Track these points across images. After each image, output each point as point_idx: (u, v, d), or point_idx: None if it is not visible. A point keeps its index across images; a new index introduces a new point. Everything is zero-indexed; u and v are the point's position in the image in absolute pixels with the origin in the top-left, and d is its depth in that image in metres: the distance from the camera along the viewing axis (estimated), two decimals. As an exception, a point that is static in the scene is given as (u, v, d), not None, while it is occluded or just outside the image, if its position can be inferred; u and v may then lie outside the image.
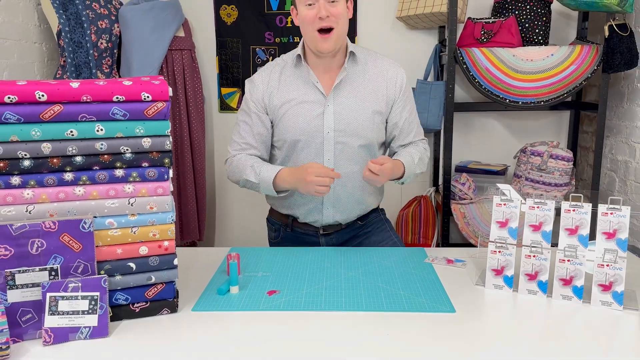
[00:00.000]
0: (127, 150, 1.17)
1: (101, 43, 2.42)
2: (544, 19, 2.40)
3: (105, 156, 1.16)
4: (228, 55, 2.77)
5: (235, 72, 2.78)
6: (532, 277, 1.35)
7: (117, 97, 1.13)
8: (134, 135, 1.16)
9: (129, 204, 1.19)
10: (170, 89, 1.17)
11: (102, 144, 1.15)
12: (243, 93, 2.78)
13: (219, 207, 2.98)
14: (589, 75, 2.31)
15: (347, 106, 1.64)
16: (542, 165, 2.40)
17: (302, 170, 1.53)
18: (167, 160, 1.20)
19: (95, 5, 2.42)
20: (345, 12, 1.59)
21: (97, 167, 1.16)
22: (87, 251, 1.15)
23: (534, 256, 1.34)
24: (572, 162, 2.41)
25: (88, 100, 1.12)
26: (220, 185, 2.95)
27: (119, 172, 1.17)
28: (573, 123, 2.74)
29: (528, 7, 2.39)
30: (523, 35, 2.41)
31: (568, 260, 1.31)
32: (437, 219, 2.66)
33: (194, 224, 2.62)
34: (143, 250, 1.20)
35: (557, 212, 1.35)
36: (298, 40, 2.71)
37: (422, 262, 1.57)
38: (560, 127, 2.79)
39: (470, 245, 2.49)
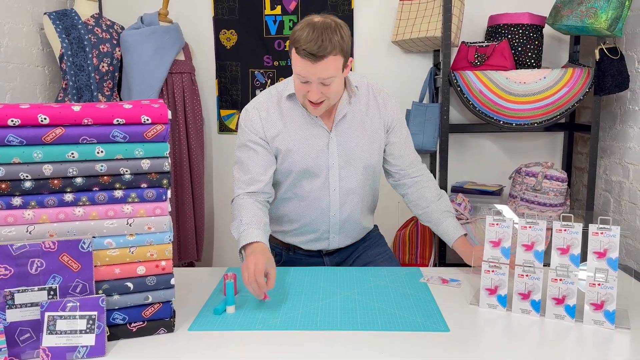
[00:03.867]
0: (126, 171, 1.19)
1: (102, 66, 2.47)
2: (536, 42, 2.46)
3: (105, 177, 1.19)
4: (227, 78, 2.82)
5: (234, 94, 2.83)
6: (525, 296, 1.36)
7: (117, 120, 1.17)
8: (134, 157, 1.19)
9: (127, 224, 1.21)
10: (169, 112, 1.21)
11: (102, 166, 1.18)
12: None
13: (217, 228, 2.99)
14: (581, 98, 2.35)
15: (350, 139, 1.66)
16: (536, 185, 2.43)
17: (247, 267, 1.38)
18: (165, 181, 1.22)
19: (97, 30, 2.47)
20: (339, 85, 1.54)
21: (97, 188, 1.19)
22: (86, 271, 1.17)
23: (526, 275, 1.36)
24: (567, 183, 2.44)
25: (89, 123, 1.15)
26: (219, 206, 2.97)
27: (118, 193, 1.20)
28: (567, 144, 2.78)
29: (520, 31, 2.44)
30: (516, 58, 2.46)
31: (560, 280, 1.33)
32: (434, 239, 2.67)
33: (192, 244, 2.63)
34: (141, 270, 1.22)
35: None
36: (296, 64, 2.76)
37: (418, 281, 1.58)
38: (555, 148, 2.83)
39: (466, 265, 2.50)
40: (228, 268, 1.70)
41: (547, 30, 2.56)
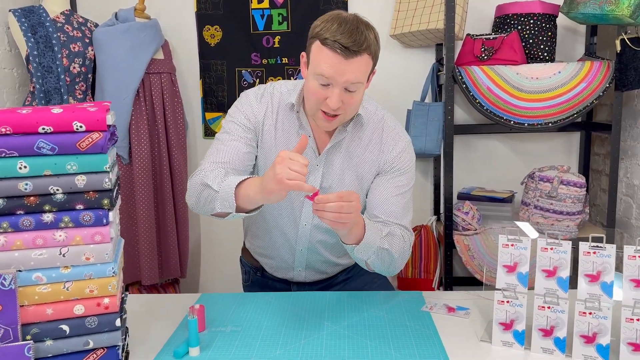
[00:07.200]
0: (57, 190, 0.98)
1: (74, 67, 2.26)
2: (549, 34, 2.22)
3: (31, 198, 0.97)
4: (212, 78, 2.60)
5: (220, 95, 2.61)
6: (547, 332, 1.13)
7: (43, 128, 0.95)
8: (65, 173, 0.98)
9: (60, 254, 0.99)
10: (109, 116, 0.99)
11: (26, 184, 0.96)
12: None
13: (204, 241, 2.77)
14: (601, 94, 2.12)
15: (337, 172, 1.41)
16: (552, 192, 2.19)
17: (274, 174, 1.09)
18: (106, 201, 1.01)
19: (67, 28, 2.27)
20: (360, 97, 1.30)
21: (21, 212, 0.98)
22: (9, 313, 0.95)
23: (548, 307, 1.13)
24: (585, 189, 2.20)
25: (8, 132, 0.94)
26: (205, 217, 2.75)
27: (48, 217, 0.99)
28: (584, 145, 2.54)
29: (532, 21, 2.21)
30: (527, 51, 2.23)
31: (590, 313, 1.10)
32: (439, 251, 2.44)
33: (175, 260, 2.41)
34: (78, 309, 1.01)
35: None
36: (286, 62, 2.55)
37: (419, 310, 1.36)
38: (570, 150, 2.59)
39: (475, 280, 2.28)
40: (200, 295, 1.47)
41: (561, 20, 2.33)
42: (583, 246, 1.12)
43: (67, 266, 1.00)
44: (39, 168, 0.96)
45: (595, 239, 1.11)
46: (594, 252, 1.11)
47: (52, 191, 0.98)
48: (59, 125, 0.95)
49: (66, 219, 0.99)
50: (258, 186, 1.16)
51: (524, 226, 1.29)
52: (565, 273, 1.13)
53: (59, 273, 1.00)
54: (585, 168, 2.55)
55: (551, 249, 1.14)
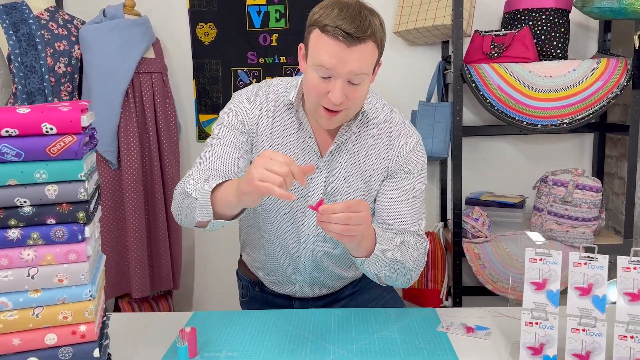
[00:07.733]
0: (24, 202, 0.85)
1: (59, 67, 2.13)
2: (562, 29, 2.11)
3: (-6, 212, 0.84)
4: (206, 79, 2.47)
5: (214, 96, 2.49)
6: (582, 358, 1.01)
7: (7, 131, 0.82)
8: (34, 182, 0.85)
9: (28, 276, 0.86)
10: (85, 118, 0.86)
11: (-13, 196, 0.83)
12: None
13: (198, 251, 2.64)
14: (618, 93, 2.00)
15: (342, 176, 1.28)
16: (566, 197, 2.07)
17: (250, 178, 0.97)
18: (81, 215, 0.88)
19: (52, 25, 2.14)
20: (365, 92, 1.18)
21: (-17, 227, 0.85)
22: (-32, 345, 0.82)
23: (583, 330, 1.01)
24: (601, 193, 2.08)
25: (-35, 135, 0.81)
26: (201, 224, 2.62)
27: (14, 233, 0.85)
28: (597, 147, 2.42)
29: (544, 16, 2.09)
30: (539, 48, 2.12)
31: (631, 337, 0.97)
32: (447, 260, 2.32)
33: (167, 271, 2.28)
34: (50, 339, 0.88)
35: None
36: (284, 61, 2.42)
37: (435, 330, 1.23)
38: (582, 152, 2.48)
39: (485, 290, 2.15)
40: (192, 315, 1.34)
41: (573, 16, 2.21)
42: (622, 261, 0.99)
43: (36, 289, 0.87)
44: (2, 177, 0.83)
45: (637, 253, 0.99)
46: (635, 268, 0.99)
47: (18, 203, 0.85)
48: (26, 128, 0.82)
49: (35, 236, 0.86)
50: (235, 188, 1.04)
51: (534, 236, 1.17)
52: (601, 291, 1.01)
53: (28, 297, 0.87)
54: (599, 172, 2.43)
55: (585, 264, 1.02)
